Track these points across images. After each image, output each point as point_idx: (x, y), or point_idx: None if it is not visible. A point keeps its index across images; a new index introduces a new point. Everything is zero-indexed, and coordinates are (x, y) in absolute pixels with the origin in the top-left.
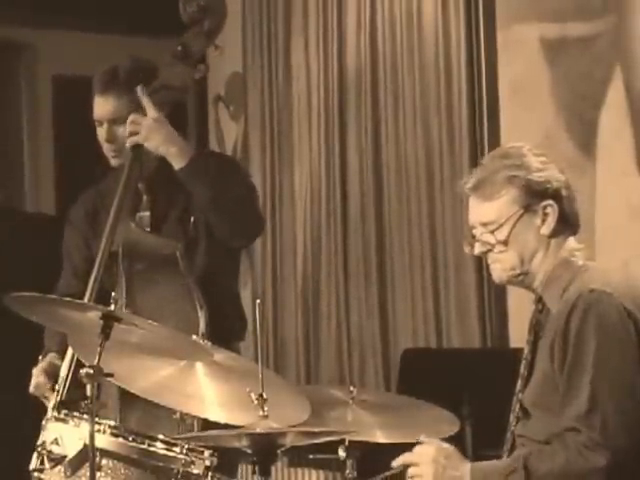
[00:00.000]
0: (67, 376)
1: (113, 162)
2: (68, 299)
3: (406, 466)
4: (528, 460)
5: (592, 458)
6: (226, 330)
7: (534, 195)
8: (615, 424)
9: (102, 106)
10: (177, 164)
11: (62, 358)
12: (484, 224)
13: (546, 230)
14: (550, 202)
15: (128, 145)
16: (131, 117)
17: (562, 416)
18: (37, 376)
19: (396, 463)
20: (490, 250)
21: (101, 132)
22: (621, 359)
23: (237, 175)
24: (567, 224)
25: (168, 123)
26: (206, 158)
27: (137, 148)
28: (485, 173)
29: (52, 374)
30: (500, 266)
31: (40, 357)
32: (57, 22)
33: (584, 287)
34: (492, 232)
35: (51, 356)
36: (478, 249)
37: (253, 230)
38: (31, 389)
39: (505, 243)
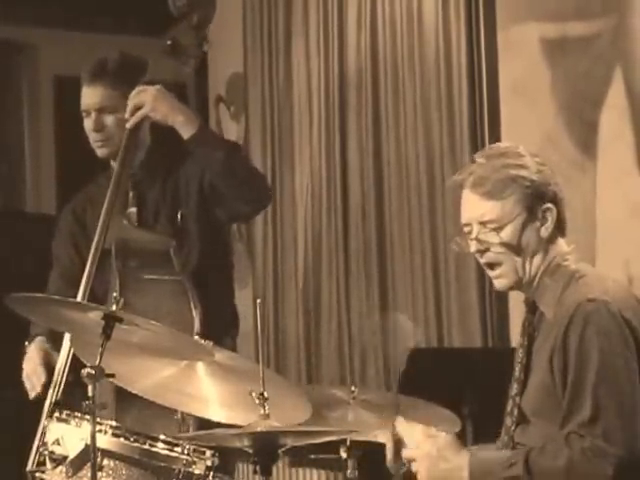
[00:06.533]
0: (63, 373)
1: (99, 152)
2: (69, 299)
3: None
4: (529, 454)
5: (599, 465)
6: (218, 326)
7: (538, 197)
8: (617, 432)
9: (90, 96)
10: (186, 132)
11: (50, 342)
12: (483, 222)
13: (545, 233)
14: (550, 206)
15: (128, 127)
16: (136, 89)
17: (565, 426)
18: (32, 365)
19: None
20: (487, 249)
21: (88, 122)
22: (622, 368)
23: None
24: (560, 228)
25: (173, 95)
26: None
27: (132, 134)
28: (486, 171)
29: (46, 362)
30: (505, 270)
31: (26, 343)
32: (59, 22)
33: (582, 296)
34: (495, 231)
35: (40, 340)
36: (475, 247)
37: (263, 196)
38: (26, 378)
39: (509, 244)
